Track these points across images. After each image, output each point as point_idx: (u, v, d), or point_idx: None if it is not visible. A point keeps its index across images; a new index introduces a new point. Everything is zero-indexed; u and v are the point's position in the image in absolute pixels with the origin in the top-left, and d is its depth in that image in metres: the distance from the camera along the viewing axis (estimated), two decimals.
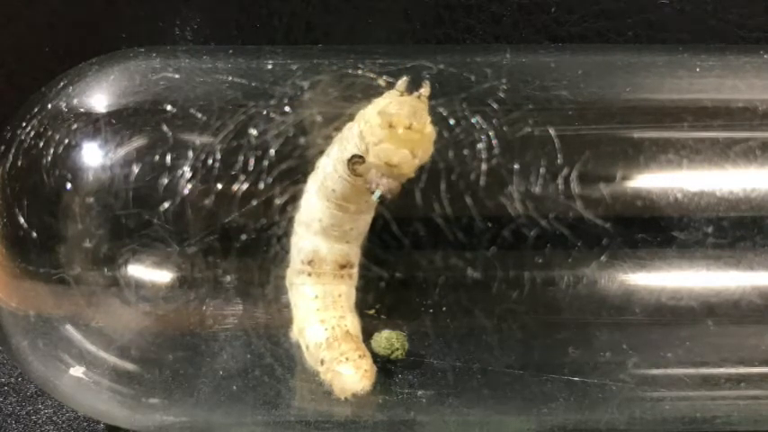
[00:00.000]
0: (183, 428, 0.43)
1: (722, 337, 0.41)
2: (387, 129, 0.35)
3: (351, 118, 0.38)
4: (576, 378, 0.41)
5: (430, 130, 0.36)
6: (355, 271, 0.39)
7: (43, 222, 0.39)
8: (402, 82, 0.36)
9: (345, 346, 0.38)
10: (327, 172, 0.37)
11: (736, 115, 0.42)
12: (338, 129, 0.38)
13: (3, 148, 0.41)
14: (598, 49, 0.50)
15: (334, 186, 0.37)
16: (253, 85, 0.41)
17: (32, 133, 0.40)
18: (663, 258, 0.40)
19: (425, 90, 0.36)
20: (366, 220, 0.38)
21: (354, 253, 0.39)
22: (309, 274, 0.39)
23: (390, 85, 0.40)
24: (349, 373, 0.38)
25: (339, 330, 0.39)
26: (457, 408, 0.42)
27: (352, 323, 0.39)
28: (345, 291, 0.39)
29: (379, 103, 0.36)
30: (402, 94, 0.36)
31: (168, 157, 0.39)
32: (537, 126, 0.40)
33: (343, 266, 0.39)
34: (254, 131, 0.39)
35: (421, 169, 0.38)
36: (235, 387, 0.41)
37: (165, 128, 0.40)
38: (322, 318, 0.39)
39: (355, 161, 0.36)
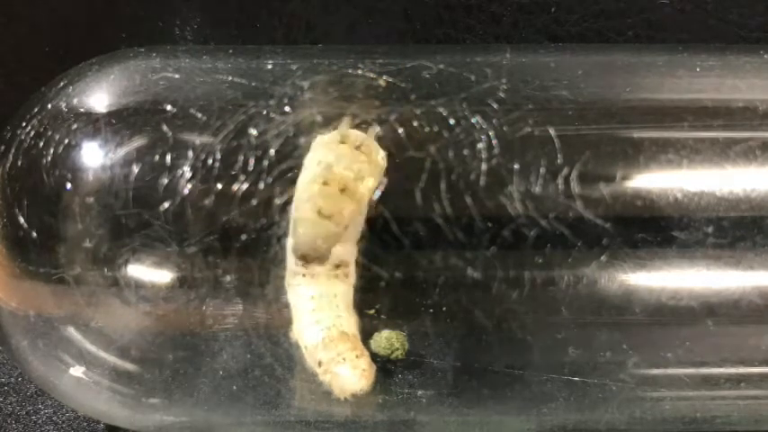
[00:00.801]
0: (183, 428, 0.43)
1: (722, 337, 0.41)
2: (320, 185, 0.35)
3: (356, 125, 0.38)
4: (576, 378, 0.41)
5: (368, 186, 0.36)
6: (351, 270, 0.39)
7: (43, 222, 0.39)
8: (344, 125, 0.36)
9: (342, 347, 0.38)
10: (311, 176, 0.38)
11: (736, 115, 0.42)
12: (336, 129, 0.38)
13: (3, 148, 0.41)
14: (598, 49, 0.50)
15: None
16: (253, 85, 0.41)
17: (32, 133, 0.40)
18: (663, 258, 0.40)
19: (369, 136, 0.36)
20: (360, 221, 0.38)
21: (349, 252, 0.39)
22: (304, 275, 0.39)
23: (390, 85, 0.40)
24: (347, 374, 0.38)
25: (335, 331, 0.39)
26: (457, 408, 0.42)
27: (349, 323, 0.39)
28: (341, 291, 0.39)
29: (321, 147, 0.36)
30: (343, 141, 0.36)
31: (168, 157, 0.39)
32: (537, 126, 0.40)
33: (337, 266, 0.39)
34: (254, 131, 0.39)
35: (421, 169, 0.38)
36: (235, 387, 0.41)
37: (165, 128, 0.40)
38: (318, 318, 0.39)
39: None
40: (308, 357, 0.39)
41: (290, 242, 0.39)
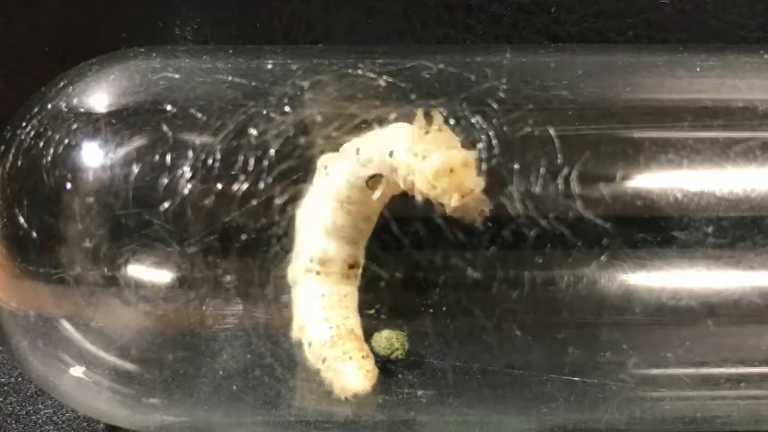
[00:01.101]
0: (183, 428, 0.43)
1: (722, 337, 0.41)
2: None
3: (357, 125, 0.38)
4: (576, 378, 0.41)
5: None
6: (359, 272, 0.39)
7: (43, 222, 0.39)
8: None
9: (349, 345, 0.38)
10: (341, 181, 0.38)
11: (736, 115, 0.42)
12: (340, 129, 0.38)
13: (3, 148, 0.41)
14: (598, 49, 0.50)
15: (349, 193, 0.37)
16: (253, 85, 0.41)
17: (32, 133, 0.40)
18: (663, 258, 0.40)
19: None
20: (374, 220, 0.39)
21: (361, 253, 0.39)
22: (318, 273, 0.39)
23: (390, 85, 0.40)
24: (351, 373, 0.38)
25: (344, 329, 0.39)
26: (457, 408, 0.42)
27: (356, 324, 0.39)
28: (350, 291, 0.39)
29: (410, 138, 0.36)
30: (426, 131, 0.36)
31: (168, 157, 0.39)
32: (537, 126, 0.40)
33: (351, 267, 0.39)
34: (254, 131, 0.39)
35: None
36: (235, 387, 0.41)
37: (165, 128, 0.40)
38: (327, 316, 0.39)
39: (376, 180, 0.37)
40: (310, 355, 0.39)
41: (299, 238, 0.39)
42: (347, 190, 0.38)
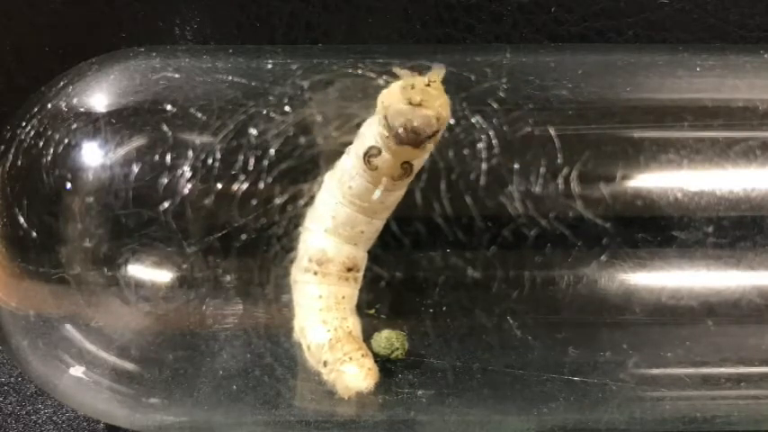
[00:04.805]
0: (183, 428, 0.43)
1: (722, 337, 0.41)
2: (404, 92, 0.35)
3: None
4: (576, 378, 0.41)
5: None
6: (360, 275, 0.39)
7: (43, 222, 0.39)
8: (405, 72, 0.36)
9: (348, 347, 0.38)
10: (346, 168, 0.37)
11: (736, 115, 0.42)
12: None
13: (3, 147, 0.41)
14: (598, 49, 0.50)
15: (350, 183, 0.37)
16: (253, 84, 0.41)
17: (32, 133, 0.40)
18: (663, 258, 0.40)
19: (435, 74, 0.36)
20: (378, 226, 0.39)
21: (361, 257, 0.39)
22: (315, 273, 0.39)
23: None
24: (354, 372, 0.38)
25: (341, 332, 0.39)
26: (457, 408, 0.42)
27: (354, 325, 0.39)
28: (349, 293, 0.39)
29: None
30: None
31: (168, 157, 0.39)
32: (537, 126, 0.40)
33: (349, 269, 0.39)
34: (254, 131, 0.39)
35: (421, 169, 0.38)
36: (235, 387, 0.41)
37: (165, 128, 0.40)
38: (324, 318, 0.39)
39: (371, 154, 0.36)
40: (310, 357, 0.39)
41: (303, 236, 0.39)
42: (349, 179, 0.37)
